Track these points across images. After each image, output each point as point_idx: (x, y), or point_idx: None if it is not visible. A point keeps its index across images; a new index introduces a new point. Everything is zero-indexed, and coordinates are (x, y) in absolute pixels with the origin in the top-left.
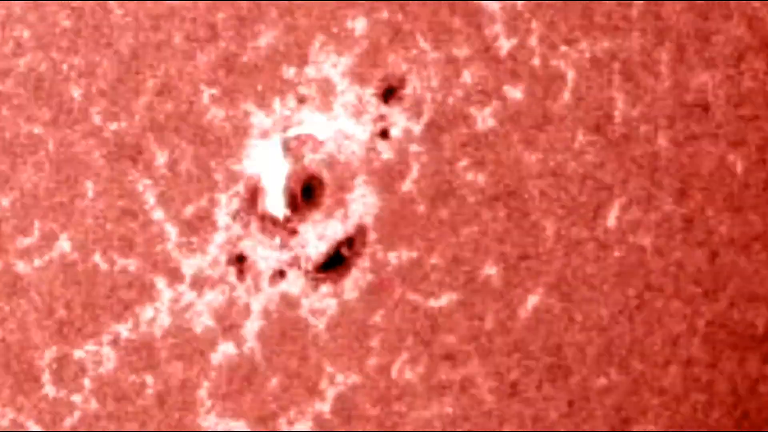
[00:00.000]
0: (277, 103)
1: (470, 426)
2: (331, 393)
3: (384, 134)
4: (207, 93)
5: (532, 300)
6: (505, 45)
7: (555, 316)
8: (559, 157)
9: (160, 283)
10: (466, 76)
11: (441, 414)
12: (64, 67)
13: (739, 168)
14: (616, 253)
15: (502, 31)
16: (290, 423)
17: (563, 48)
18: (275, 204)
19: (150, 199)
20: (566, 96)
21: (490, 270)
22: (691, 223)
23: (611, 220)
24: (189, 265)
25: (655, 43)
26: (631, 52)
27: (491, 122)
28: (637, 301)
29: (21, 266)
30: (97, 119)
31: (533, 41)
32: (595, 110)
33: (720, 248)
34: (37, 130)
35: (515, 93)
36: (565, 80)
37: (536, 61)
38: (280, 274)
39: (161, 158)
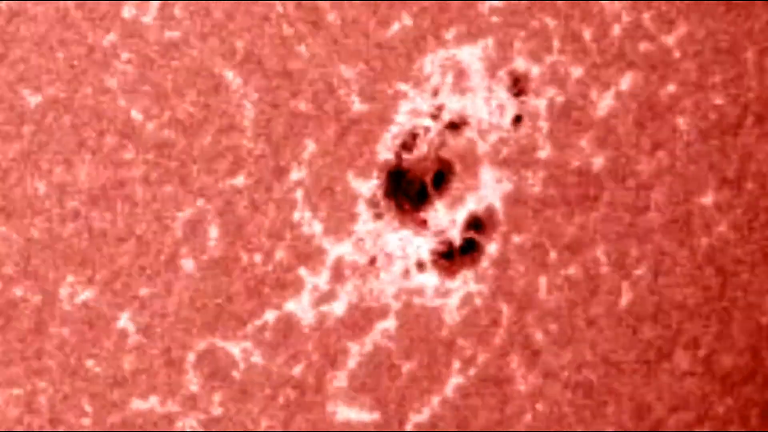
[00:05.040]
0: (412, 91)
1: (573, 414)
2: (454, 382)
3: (514, 120)
4: (349, 82)
5: (628, 284)
6: (617, 28)
7: (651, 301)
8: (665, 142)
9: (303, 274)
10: (587, 61)
11: (552, 407)
12: (220, 66)
13: None
14: (704, 238)
15: (617, 15)
16: (415, 411)
17: (670, 31)
18: (410, 192)
19: (298, 190)
20: (673, 80)
21: (600, 252)
22: None
23: (706, 203)
24: (331, 256)
25: (745, 31)
26: (726, 35)
27: (610, 106)
28: (719, 288)
29: (172, 259)
30: (249, 108)
31: (645, 23)
32: (696, 96)
33: None
34: (192, 118)
35: (628, 77)
36: (672, 63)
37: (646, 45)
38: (416, 264)
39: (309, 149)
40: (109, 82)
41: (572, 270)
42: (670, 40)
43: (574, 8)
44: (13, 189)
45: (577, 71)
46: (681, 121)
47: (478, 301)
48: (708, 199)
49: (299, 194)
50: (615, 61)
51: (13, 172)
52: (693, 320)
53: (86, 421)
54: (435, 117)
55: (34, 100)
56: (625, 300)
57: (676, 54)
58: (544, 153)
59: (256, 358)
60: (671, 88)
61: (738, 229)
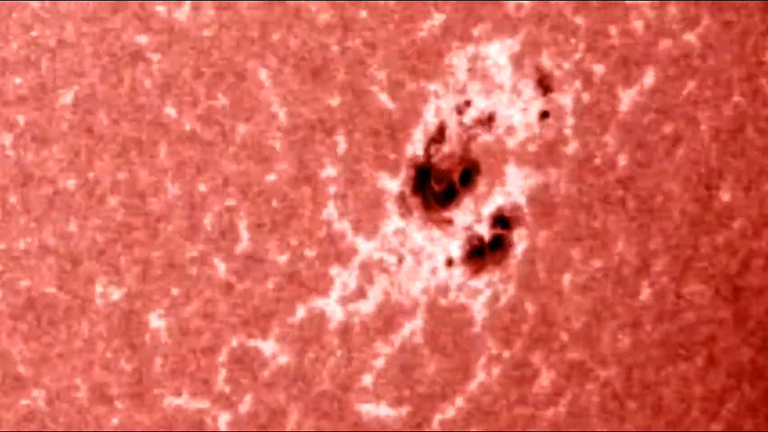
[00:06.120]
0: (440, 88)
1: (595, 410)
2: (480, 379)
3: (540, 116)
4: (379, 79)
5: (647, 280)
6: (640, 25)
7: (669, 297)
8: (685, 138)
9: (333, 272)
10: (611, 58)
11: (575, 403)
12: (252, 64)
13: None
14: (722, 234)
15: (641, 12)
16: (442, 408)
17: (692, 29)
18: (437, 190)
19: (329, 188)
20: (693, 77)
21: (622, 248)
22: None
23: (725, 198)
24: (360, 255)
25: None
26: (745, 33)
27: (633, 103)
28: (735, 284)
29: (203, 257)
30: (281, 106)
31: (668, 20)
32: (715, 93)
33: None
34: (224, 115)
35: (650, 74)
36: (693, 60)
37: (668, 43)
38: (444, 263)
39: (340, 147)
40: (143, 80)
41: (595, 266)
42: (691, 37)
43: (600, 6)
44: (46, 188)
45: (601, 68)
46: (700, 118)
47: (504, 299)
48: (726, 194)
49: (330, 192)
50: (638, 58)
51: (47, 171)
52: (710, 316)
53: (118, 419)
54: (462, 114)
55: (67, 98)
56: (644, 296)
57: (697, 51)
58: (569, 149)
59: (286, 356)
60: (692, 84)
61: (755, 225)
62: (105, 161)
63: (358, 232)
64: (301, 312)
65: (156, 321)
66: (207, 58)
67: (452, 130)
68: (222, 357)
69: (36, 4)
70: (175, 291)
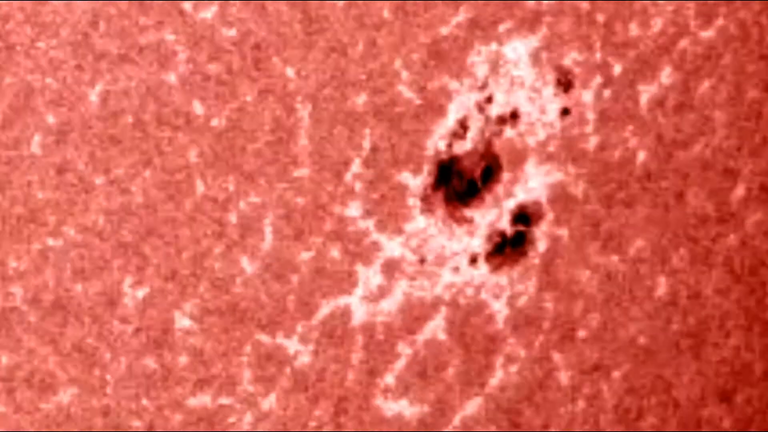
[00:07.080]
0: (462, 86)
1: (613, 406)
2: (501, 376)
3: (561, 113)
4: (403, 76)
5: (664, 277)
6: (658, 23)
7: (684, 293)
8: (701, 136)
9: (357, 271)
10: (630, 55)
11: (592, 400)
12: (277, 62)
13: None
14: (736, 230)
15: (660, 10)
16: (463, 405)
17: (708, 26)
18: (459, 188)
19: (354, 185)
20: (709, 75)
21: (640, 245)
22: None
23: (740, 194)
24: (384, 253)
25: None
26: (760, 30)
27: (650, 101)
28: (748, 281)
29: (229, 255)
30: (306, 104)
31: (685, 18)
32: (731, 90)
33: None
34: (250, 113)
35: (667, 71)
36: (709, 58)
37: (685, 40)
38: (466, 261)
39: (364, 145)
40: (170, 79)
41: (613, 263)
42: (708, 35)
43: (619, 4)
44: (74, 186)
45: (621, 65)
46: (717, 115)
47: (525, 297)
48: (741, 191)
49: (354, 190)
50: (656, 56)
51: (74, 169)
52: (724, 312)
53: (143, 417)
54: (484, 111)
55: (94, 96)
56: (661, 292)
57: (714, 49)
58: (589, 146)
59: (310, 355)
60: (708, 82)
61: (763, 229)
62: (132, 159)
63: (381, 230)
64: (324, 310)
65: (181, 319)
66: (232, 56)
67: (474, 127)
68: (246, 356)
69: (61, 4)
70: (200, 289)
